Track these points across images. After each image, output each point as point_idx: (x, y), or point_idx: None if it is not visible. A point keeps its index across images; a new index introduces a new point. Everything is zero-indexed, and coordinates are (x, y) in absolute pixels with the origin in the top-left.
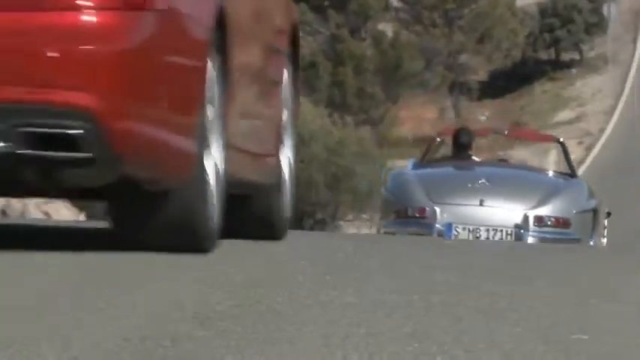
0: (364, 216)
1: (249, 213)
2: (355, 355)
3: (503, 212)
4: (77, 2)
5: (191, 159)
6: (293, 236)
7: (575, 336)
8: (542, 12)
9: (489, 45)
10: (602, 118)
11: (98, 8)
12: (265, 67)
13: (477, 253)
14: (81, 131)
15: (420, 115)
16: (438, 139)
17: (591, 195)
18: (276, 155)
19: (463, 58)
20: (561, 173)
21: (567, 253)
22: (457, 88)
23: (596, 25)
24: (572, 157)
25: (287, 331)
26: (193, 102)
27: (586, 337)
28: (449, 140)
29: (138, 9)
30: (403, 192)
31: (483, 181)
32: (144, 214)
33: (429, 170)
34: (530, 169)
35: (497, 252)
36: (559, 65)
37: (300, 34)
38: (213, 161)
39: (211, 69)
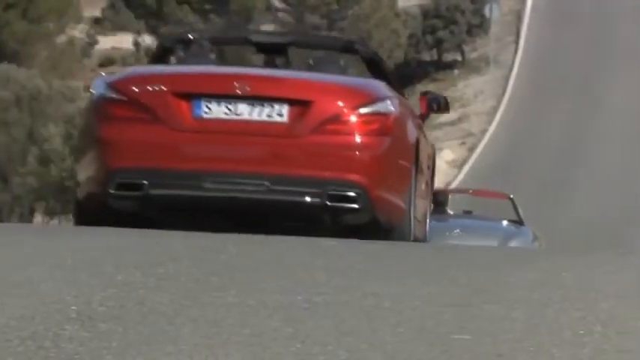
0: None
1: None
2: (238, 355)
3: None
4: (358, 133)
5: (405, 212)
6: (170, 237)
7: (458, 336)
8: (425, 13)
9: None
10: (484, 118)
11: (367, 135)
12: (425, 173)
13: (360, 253)
14: (357, 194)
15: None
16: None
17: (535, 238)
18: (423, 221)
19: None
20: (512, 221)
21: (450, 253)
22: None
23: (478, 27)
24: (455, 157)
25: (169, 332)
26: (408, 183)
27: (468, 337)
28: None
29: (385, 135)
30: None
31: (458, 230)
32: (380, 237)
33: None
34: (490, 219)
35: (379, 252)
36: (441, 66)
37: None
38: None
39: (413, 168)
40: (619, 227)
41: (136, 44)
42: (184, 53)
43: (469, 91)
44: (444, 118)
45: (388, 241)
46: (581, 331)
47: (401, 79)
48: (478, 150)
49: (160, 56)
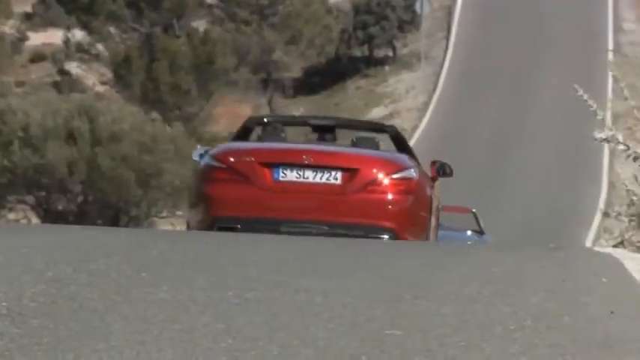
0: (179, 213)
1: None
2: (169, 351)
3: None
4: (391, 192)
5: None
6: (103, 232)
7: (389, 331)
8: (356, 9)
9: (303, 42)
10: (415, 114)
11: (397, 194)
12: (435, 215)
13: (292, 249)
14: (389, 236)
15: (235, 112)
16: None
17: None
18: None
19: (277, 55)
20: (475, 231)
21: (382, 249)
22: (272, 84)
23: (409, 23)
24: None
25: (101, 328)
26: (425, 226)
27: (399, 332)
28: None
29: (410, 194)
30: None
31: None
32: None
33: None
34: (456, 229)
35: (311, 248)
36: (373, 62)
37: (115, 31)
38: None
39: (429, 215)
40: (548, 223)
41: (67, 40)
42: (263, 132)
43: (400, 87)
44: (375, 113)
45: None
46: (512, 326)
47: (332, 75)
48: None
49: (243, 134)
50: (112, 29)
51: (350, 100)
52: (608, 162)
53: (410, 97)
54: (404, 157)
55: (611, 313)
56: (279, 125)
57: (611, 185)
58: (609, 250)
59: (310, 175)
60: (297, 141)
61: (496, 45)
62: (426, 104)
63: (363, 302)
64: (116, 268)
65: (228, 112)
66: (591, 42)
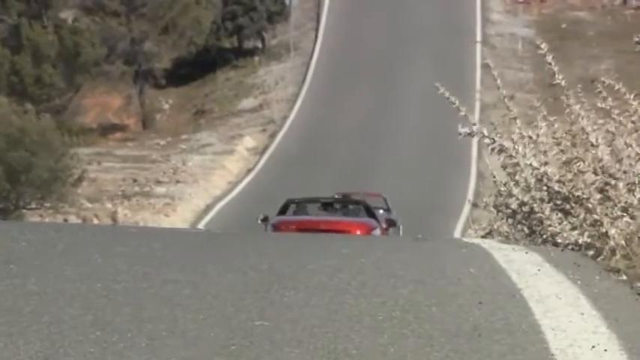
0: (47, 204)
1: None
2: (37, 344)
3: None
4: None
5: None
6: None
7: (258, 322)
8: (225, 0)
9: (174, 33)
10: (285, 105)
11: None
12: None
13: (160, 240)
14: None
15: (105, 104)
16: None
17: (398, 220)
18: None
19: (147, 45)
20: (385, 209)
21: (253, 240)
22: (141, 76)
23: (279, 14)
24: (255, 144)
25: None
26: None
27: (268, 323)
28: None
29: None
30: None
31: None
32: None
33: None
34: (374, 208)
35: (179, 239)
36: (242, 53)
37: None
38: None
39: None
40: (417, 214)
41: None
42: (296, 208)
43: (270, 78)
44: (245, 105)
45: (195, 229)
46: (381, 317)
47: (202, 66)
48: (279, 137)
49: (284, 210)
50: None
51: (219, 91)
52: (476, 153)
53: (279, 88)
54: (373, 221)
55: (480, 303)
56: (303, 204)
57: (480, 176)
58: (478, 240)
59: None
60: (315, 214)
61: (365, 36)
62: (296, 95)
63: (232, 293)
64: None
65: (98, 103)
66: (460, 33)
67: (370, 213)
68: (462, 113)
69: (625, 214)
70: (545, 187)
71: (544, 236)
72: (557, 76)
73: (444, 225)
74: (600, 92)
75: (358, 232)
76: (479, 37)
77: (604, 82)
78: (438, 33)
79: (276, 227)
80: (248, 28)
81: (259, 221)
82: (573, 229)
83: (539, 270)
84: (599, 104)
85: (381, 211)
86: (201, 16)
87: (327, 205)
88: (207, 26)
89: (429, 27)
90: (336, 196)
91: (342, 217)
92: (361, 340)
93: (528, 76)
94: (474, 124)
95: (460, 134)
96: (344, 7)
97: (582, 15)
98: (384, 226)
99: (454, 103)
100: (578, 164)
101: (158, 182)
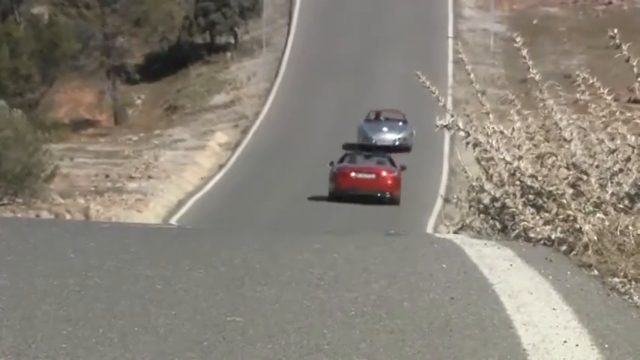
0: (19, 200)
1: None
2: (9, 339)
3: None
4: (389, 179)
5: (399, 195)
6: None
7: (230, 318)
8: None
9: (146, 28)
10: (257, 101)
11: (391, 179)
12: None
13: (133, 236)
14: (389, 194)
15: (77, 99)
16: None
17: (413, 128)
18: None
19: (119, 41)
20: (404, 122)
21: (224, 235)
22: (114, 71)
23: (251, 9)
24: (228, 140)
25: None
26: (400, 185)
27: (240, 319)
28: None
29: (396, 178)
30: None
31: (385, 128)
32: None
33: None
34: (395, 119)
35: (152, 235)
36: (214, 49)
37: None
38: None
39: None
40: (390, 209)
41: None
42: (348, 157)
43: (242, 74)
44: (217, 100)
45: (168, 224)
46: (352, 312)
47: (174, 61)
48: (251, 132)
49: (342, 159)
50: None
51: (192, 86)
52: (448, 148)
53: (252, 84)
54: (393, 167)
55: (452, 298)
56: (353, 155)
57: (452, 171)
58: (450, 235)
59: (366, 176)
60: (361, 162)
61: (337, 32)
62: (268, 91)
63: (204, 289)
64: None
65: (70, 98)
66: (432, 29)
67: (392, 162)
68: (441, 104)
69: (598, 210)
70: (518, 182)
71: (516, 231)
72: (531, 70)
73: (415, 220)
74: (579, 85)
75: (384, 173)
76: (451, 33)
77: (579, 76)
78: (411, 28)
79: (339, 169)
80: (220, 23)
81: (329, 165)
82: (546, 224)
83: (511, 265)
84: (578, 96)
85: (400, 123)
86: (173, 11)
87: (367, 156)
88: (179, 21)
89: (401, 22)
90: (371, 115)
91: (376, 165)
92: (333, 335)
93: (500, 71)
94: (452, 115)
95: (437, 126)
96: (317, 3)
97: (554, 11)
98: (400, 168)
99: (434, 93)
100: (551, 159)
101: (130, 178)
